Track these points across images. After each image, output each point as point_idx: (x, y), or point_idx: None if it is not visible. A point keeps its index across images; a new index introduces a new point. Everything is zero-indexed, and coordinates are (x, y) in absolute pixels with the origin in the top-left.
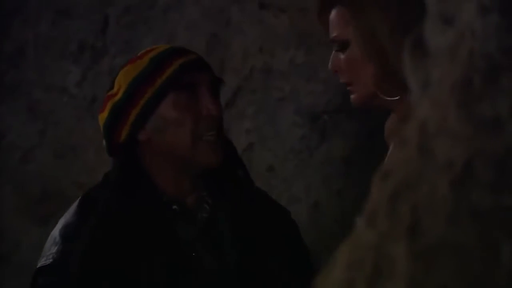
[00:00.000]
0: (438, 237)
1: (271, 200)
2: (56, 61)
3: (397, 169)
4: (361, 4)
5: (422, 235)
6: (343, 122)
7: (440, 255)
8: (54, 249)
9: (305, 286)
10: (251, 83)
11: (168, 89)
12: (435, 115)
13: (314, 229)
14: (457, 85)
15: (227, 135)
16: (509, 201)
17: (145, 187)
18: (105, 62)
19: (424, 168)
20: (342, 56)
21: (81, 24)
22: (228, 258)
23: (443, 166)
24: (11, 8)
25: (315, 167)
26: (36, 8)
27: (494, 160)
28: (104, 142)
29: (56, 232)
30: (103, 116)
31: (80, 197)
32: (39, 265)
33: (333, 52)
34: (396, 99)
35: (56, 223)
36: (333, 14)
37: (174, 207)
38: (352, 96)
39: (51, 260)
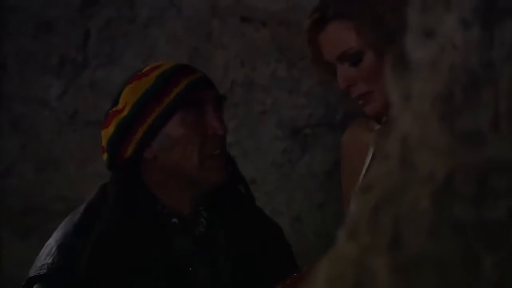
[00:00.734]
0: (420, 249)
1: (266, 216)
2: (37, 75)
3: (378, 182)
4: (363, 11)
5: (403, 248)
6: (324, 135)
7: (421, 268)
8: (49, 260)
9: None
10: (233, 96)
11: (176, 108)
12: (417, 128)
13: (296, 243)
14: (439, 98)
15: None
16: (490, 214)
17: (145, 202)
18: (86, 76)
19: (406, 180)
20: (354, 67)
21: (62, 37)
22: (222, 272)
23: (424, 178)
24: None
25: (297, 181)
26: (17, 22)
27: (475, 173)
28: (105, 157)
29: (52, 241)
30: (108, 132)
31: (83, 208)
32: (32, 274)
33: (340, 67)
34: None
35: (39, 237)
36: (332, 31)
37: (174, 220)
38: (368, 107)
39: (45, 271)
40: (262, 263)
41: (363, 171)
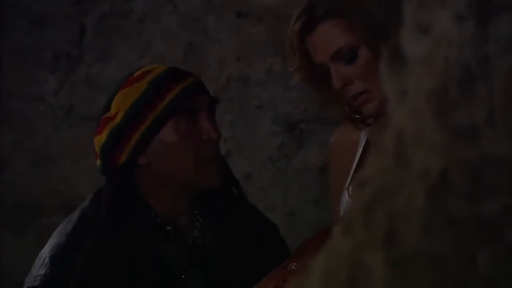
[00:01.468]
0: (414, 245)
1: (261, 216)
2: (32, 71)
3: (373, 178)
4: (354, 7)
5: (398, 244)
6: (320, 130)
7: (416, 264)
8: (42, 271)
9: None
10: (228, 91)
11: (169, 115)
12: (412, 124)
13: (291, 238)
14: (433, 94)
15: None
16: (484, 209)
17: (139, 210)
18: (81, 71)
19: (401, 176)
20: (349, 66)
21: (57, 33)
22: (213, 277)
23: (419, 174)
24: None
25: (292, 176)
26: (11, 17)
27: (470, 169)
28: (98, 162)
29: (46, 251)
30: (100, 139)
31: (76, 217)
32: (26, 284)
33: (334, 67)
34: None
35: (33, 233)
36: (324, 30)
37: (168, 228)
38: (368, 106)
39: (38, 283)
40: (256, 265)
41: (353, 168)
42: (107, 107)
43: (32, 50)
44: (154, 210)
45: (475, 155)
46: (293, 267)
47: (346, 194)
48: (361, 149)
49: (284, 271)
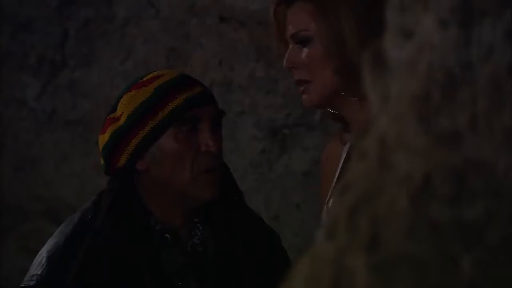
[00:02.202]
0: (397, 250)
1: (262, 226)
2: (15, 74)
3: (356, 182)
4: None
5: (381, 248)
6: (303, 135)
7: (399, 268)
8: (38, 271)
9: None
10: None
11: (169, 123)
12: (394, 128)
13: None
14: (416, 98)
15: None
16: (467, 214)
17: (138, 216)
18: (64, 75)
19: (383, 181)
20: (302, 51)
21: (40, 37)
22: (210, 286)
23: (402, 179)
24: None
25: (275, 181)
26: None
27: (453, 173)
28: (102, 161)
29: (44, 252)
30: (104, 138)
31: (77, 218)
32: (22, 284)
33: (290, 47)
34: (355, 101)
35: (15, 237)
36: (294, 8)
37: (167, 235)
38: (304, 96)
39: (34, 282)
40: (256, 276)
41: (334, 179)
42: (114, 107)
43: (15, 54)
44: (153, 217)
45: (458, 159)
46: None
47: (325, 208)
48: (341, 161)
49: None
